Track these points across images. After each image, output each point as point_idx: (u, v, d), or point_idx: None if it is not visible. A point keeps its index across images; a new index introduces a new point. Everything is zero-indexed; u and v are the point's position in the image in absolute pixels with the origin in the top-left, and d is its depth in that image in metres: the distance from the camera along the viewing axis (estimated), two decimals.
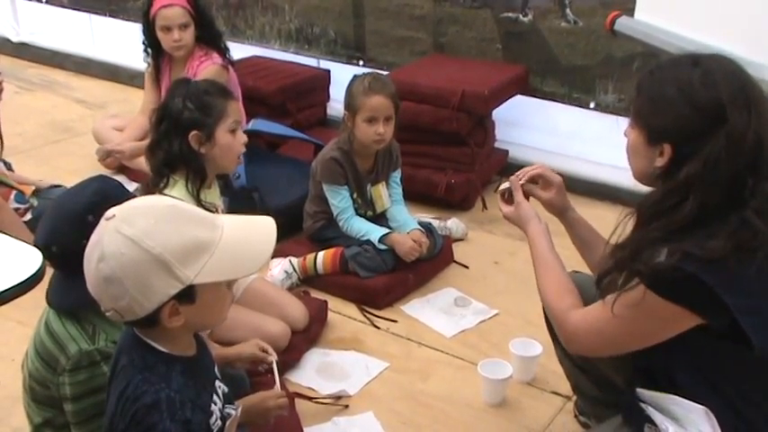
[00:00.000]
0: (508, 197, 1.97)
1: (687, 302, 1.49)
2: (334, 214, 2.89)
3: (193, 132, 2.25)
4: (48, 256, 1.72)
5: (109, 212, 1.41)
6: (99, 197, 1.70)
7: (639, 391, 1.67)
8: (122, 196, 1.82)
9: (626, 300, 1.55)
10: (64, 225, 1.71)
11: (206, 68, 3.40)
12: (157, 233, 1.38)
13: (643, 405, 1.65)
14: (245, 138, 2.38)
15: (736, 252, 1.43)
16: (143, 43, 3.57)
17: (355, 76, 2.90)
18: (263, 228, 1.52)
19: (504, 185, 1.99)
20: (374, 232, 2.85)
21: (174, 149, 2.24)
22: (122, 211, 1.40)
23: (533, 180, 1.97)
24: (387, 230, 2.87)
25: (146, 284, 1.37)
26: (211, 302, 1.46)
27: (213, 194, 2.35)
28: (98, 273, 1.37)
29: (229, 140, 2.31)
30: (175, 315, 1.41)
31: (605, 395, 1.98)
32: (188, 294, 1.40)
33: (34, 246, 1.74)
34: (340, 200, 2.87)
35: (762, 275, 1.46)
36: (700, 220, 1.48)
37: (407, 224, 2.93)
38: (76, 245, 1.58)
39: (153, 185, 2.28)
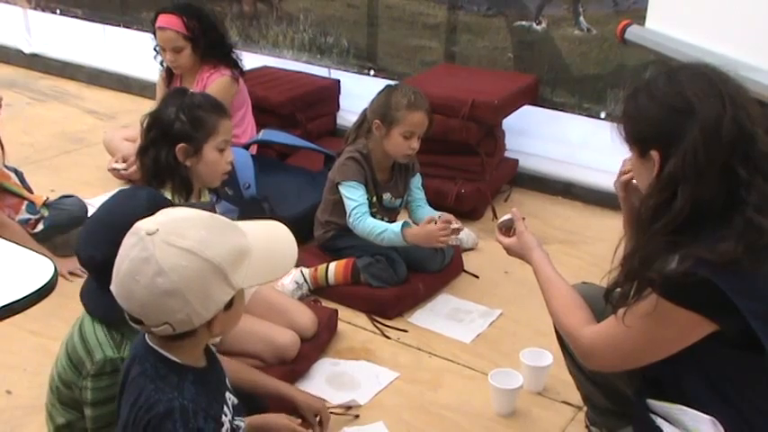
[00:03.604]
0: (506, 231, 2.00)
1: (701, 308, 1.48)
2: (348, 209, 2.79)
3: (181, 145, 2.25)
4: (105, 270, 1.70)
5: (148, 227, 1.39)
6: (153, 205, 1.68)
7: (649, 401, 1.66)
8: (170, 204, 1.83)
9: (639, 310, 1.54)
10: (117, 234, 1.68)
11: (215, 80, 3.42)
12: (211, 242, 1.39)
13: (653, 416, 1.65)
14: (231, 156, 2.40)
15: (748, 253, 1.43)
16: (154, 49, 3.59)
17: (390, 87, 2.86)
18: (278, 229, 1.57)
19: (505, 218, 2.02)
20: (392, 226, 2.77)
21: (161, 158, 2.24)
22: (165, 225, 1.40)
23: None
24: (402, 222, 2.81)
25: (207, 294, 1.39)
26: (238, 308, 1.50)
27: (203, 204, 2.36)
28: (155, 288, 1.36)
29: (216, 158, 2.32)
30: (218, 322, 1.45)
31: (616, 406, 1.98)
32: (230, 301, 1.44)
33: (88, 262, 1.74)
34: (358, 195, 2.79)
35: None
36: (701, 221, 1.48)
37: (429, 213, 2.89)
38: None
39: None
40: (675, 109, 1.50)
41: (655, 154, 1.54)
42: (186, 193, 2.28)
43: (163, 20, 3.46)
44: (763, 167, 1.48)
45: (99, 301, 1.75)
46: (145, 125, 2.31)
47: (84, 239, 1.78)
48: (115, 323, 1.73)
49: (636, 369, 1.67)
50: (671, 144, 1.49)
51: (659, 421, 1.63)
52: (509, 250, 1.98)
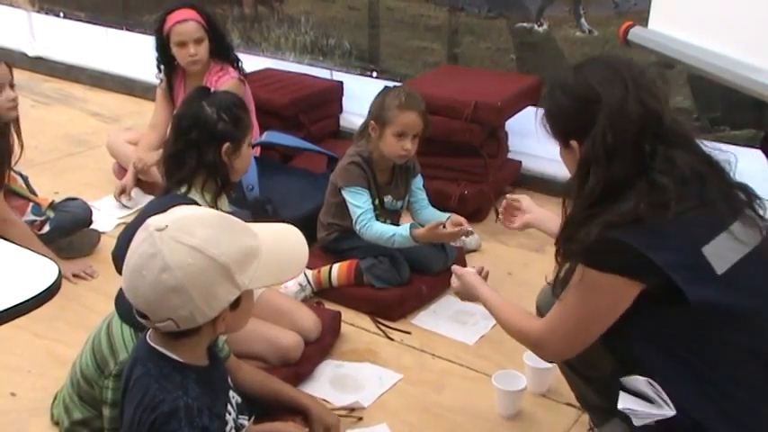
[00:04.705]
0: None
1: (621, 270, 1.54)
2: (354, 216, 2.81)
3: (227, 144, 2.27)
4: None
5: (157, 223, 1.41)
6: None
7: (622, 380, 1.68)
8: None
9: (571, 285, 1.63)
10: None
11: (225, 83, 3.42)
12: (218, 242, 1.41)
13: (624, 395, 1.66)
14: (252, 151, 2.46)
15: (651, 210, 1.51)
16: (156, 59, 3.59)
17: (387, 88, 2.89)
18: (291, 233, 1.59)
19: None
20: (399, 229, 2.79)
21: (206, 158, 2.24)
22: (175, 222, 1.42)
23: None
24: (410, 224, 2.84)
25: (211, 292, 1.40)
26: (246, 308, 1.52)
27: (224, 203, 2.38)
28: (160, 283, 1.38)
29: (248, 153, 2.37)
30: (223, 321, 1.46)
31: (609, 403, 1.98)
32: (237, 301, 1.45)
33: (114, 260, 1.74)
34: (363, 201, 2.81)
35: (681, 230, 1.53)
36: (616, 194, 1.56)
37: (435, 217, 2.88)
38: None
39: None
40: (584, 99, 1.61)
41: (574, 143, 1.64)
42: (219, 190, 2.30)
43: (180, 14, 3.46)
44: (669, 139, 1.58)
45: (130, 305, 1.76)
46: (179, 127, 2.29)
47: (124, 246, 1.79)
48: (144, 328, 1.74)
49: (605, 353, 1.72)
50: (585, 132, 1.59)
51: (627, 397, 1.65)
52: (459, 295, 2.09)
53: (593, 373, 1.96)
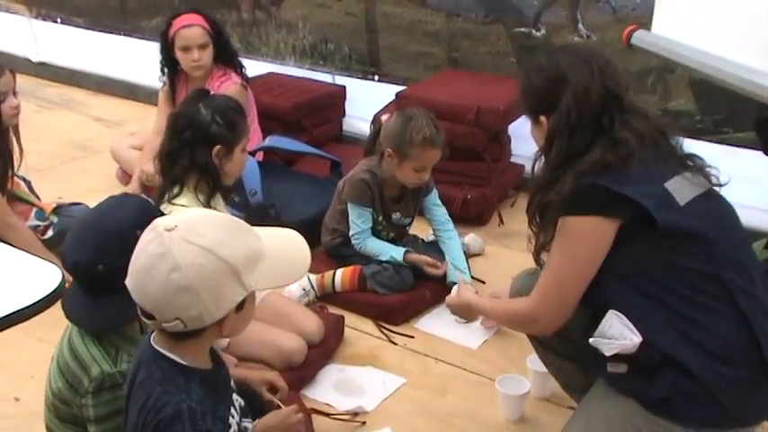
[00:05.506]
0: None
1: (598, 209, 1.68)
2: (351, 232, 2.88)
3: (219, 146, 2.30)
4: (90, 276, 1.69)
5: (167, 223, 1.42)
6: (143, 212, 1.70)
7: (595, 335, 1.72)
8: (158, 210, 1.84)
9: (552, 247, 1.77)
10: (110, 243, 1.65)
11: (228, 88, 3.43)
12: (228, 243, 1.42)
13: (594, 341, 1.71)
14: (247, 155, 2.48)
15: (617, 159, 1.69)
16: (160, 63, 3.60)
17: (407, 114, 2.78)
18: (293, 236, 1.61)
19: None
20: (393, 251, 2.85)
21: (198, 159, 2.28)
22: (184, 222, 1.42)
23: None
24: (404, 249, 2.88)
25: (219, 293, 1.41)
26: (249, 311, 1.52)
27: (219, 203, 2.39)
28: (170, 283, 1.38)
29: (242, 158, 2.40)
30: (229, 323, 1.46)
31: (590, 375, 1.97)
32: (241, 303, 1.45)
33: (72, 268, 1.72)
34: (362, 221, 2.86)
35: (644, 171, 1.69)
36: (574, 159, 1.73)
37: (458, 265, 2.89)
38: (124, 261, 1.54)
39: (161, 196, 2.31)
40: (553, 80, 1.80)
41: (543, 119, 1.83)
42: (211, 192, 2.32)
43: (187, 19, 3.48)
44: (627, 113, 1.76)
45: (89, 313, 1.72)
46: (174, 126, 2.32)
47: (71, 244, 1.76)
48: (107, 336, 1.71)
49: (574, 319, 1.78)
50: (553, 109, 1.78)
51: (599, 343, 1.71)
52: (451, 307, 2.22)
53: (570, 350, 1.99)
